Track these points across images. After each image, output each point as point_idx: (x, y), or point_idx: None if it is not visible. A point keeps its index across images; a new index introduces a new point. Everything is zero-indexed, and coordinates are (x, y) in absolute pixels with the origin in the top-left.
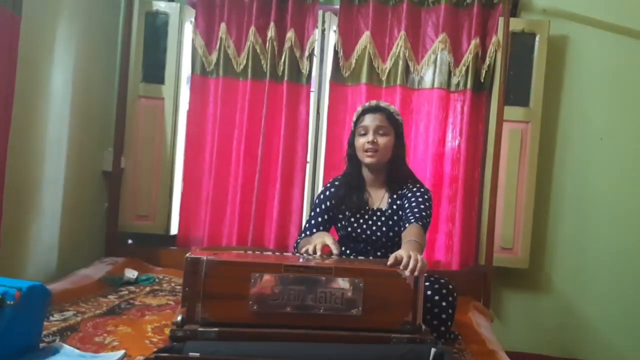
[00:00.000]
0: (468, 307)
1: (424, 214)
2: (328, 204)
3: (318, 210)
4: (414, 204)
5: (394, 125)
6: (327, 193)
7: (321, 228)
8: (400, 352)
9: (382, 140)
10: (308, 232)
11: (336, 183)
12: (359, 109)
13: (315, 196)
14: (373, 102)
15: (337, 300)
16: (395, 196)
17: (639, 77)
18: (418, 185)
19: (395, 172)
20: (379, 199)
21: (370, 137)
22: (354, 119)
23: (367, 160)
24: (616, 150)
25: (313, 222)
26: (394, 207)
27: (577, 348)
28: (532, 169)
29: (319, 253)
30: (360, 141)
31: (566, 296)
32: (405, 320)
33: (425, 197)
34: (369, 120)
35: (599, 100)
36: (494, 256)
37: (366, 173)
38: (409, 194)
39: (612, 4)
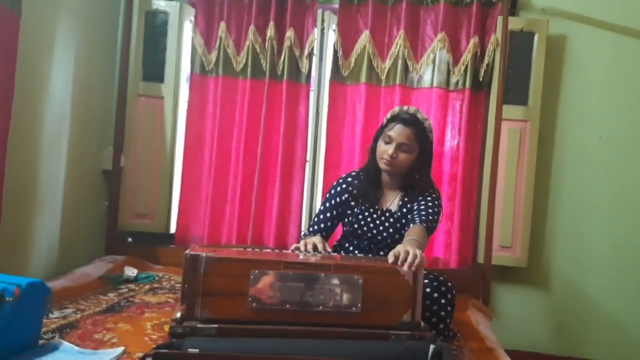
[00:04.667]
0: (467, 305)
1: (430, 217)
2: (338, 199)
3: (328, 205)
4: (422, 207)
5: (421, 142)
6: (339, 189)
7: (329, 224)
8: (399, 349)
9: (402, 157)
10: (316, 227)
11: (349, 179)
12: (396, 109)
13: (327, 190)
14: (411, 110)
15: (336, 297)
16: (406, 199)
17: (638, 76)
18: (431, 191)
19: (410, 182)
20: (391, 200)
21: (391, 150)
22: (388, 116)
23: (382, 167)
24: (615, 149)
25: (322, 216)
26: (404, 210)
27: (575, 346)
28: (530, 168)
29: (309, 247)
30: (382, 148)
31: (565, 294)
32: (404, 317)
33: (436, 202)
34: (396, 133)
35: (597, 99)
36: (493, 255)
37: (383, 173)
38: (420, 198)
39: (610, 4)
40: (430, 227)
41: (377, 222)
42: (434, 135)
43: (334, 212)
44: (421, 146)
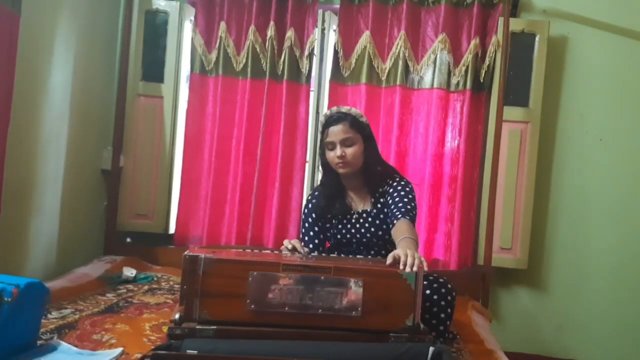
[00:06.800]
0: (467, 307)
1: (408, 207)
2: (314, 215)
3: (307, 225)
4: (397, 199)
5: (360, 131)
6: (310, 205)
7: (316, 241)
8: (398, 351)
9: (350, 151)
10: (306, 248)
11: (316, 194)
12: (322, 119)
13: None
14: (334, 110)
15: (335, 300)
16: (377, 194)
17: (638, 78)
18: (398, 179)
19: (371, 174)
20: (362, 201)
21: (337, 151)
22: (320, 129)
23: (340, 171)
24: (615, 151)
25: (307, 238)
26: (379, 205)
27: (575, 348)
28: (531, 170)
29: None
30: (330, 155)
31: (564, 297)
32: (404, 319)
33: (407, 189)
34: (333, 135)
35: (598, 100)
36: (493, 256)
37: (344, 179)
38: (391, 190)
39: (611, 5)
40: (413, 217)
41: (358, 225)
42: (435, 136)
43: (316, 228)
44: (361, 134)
